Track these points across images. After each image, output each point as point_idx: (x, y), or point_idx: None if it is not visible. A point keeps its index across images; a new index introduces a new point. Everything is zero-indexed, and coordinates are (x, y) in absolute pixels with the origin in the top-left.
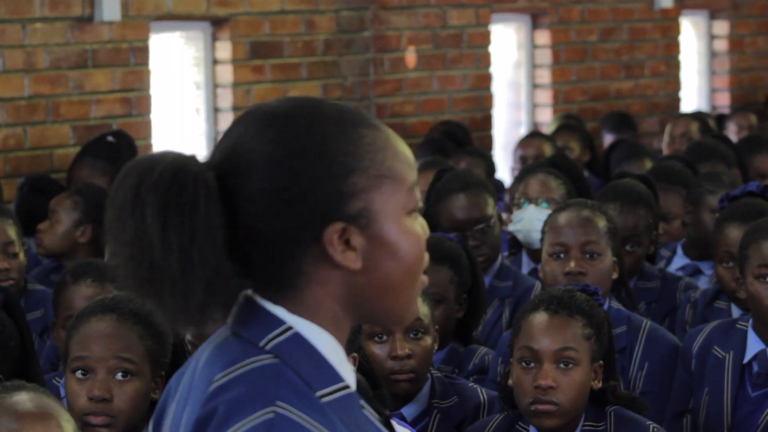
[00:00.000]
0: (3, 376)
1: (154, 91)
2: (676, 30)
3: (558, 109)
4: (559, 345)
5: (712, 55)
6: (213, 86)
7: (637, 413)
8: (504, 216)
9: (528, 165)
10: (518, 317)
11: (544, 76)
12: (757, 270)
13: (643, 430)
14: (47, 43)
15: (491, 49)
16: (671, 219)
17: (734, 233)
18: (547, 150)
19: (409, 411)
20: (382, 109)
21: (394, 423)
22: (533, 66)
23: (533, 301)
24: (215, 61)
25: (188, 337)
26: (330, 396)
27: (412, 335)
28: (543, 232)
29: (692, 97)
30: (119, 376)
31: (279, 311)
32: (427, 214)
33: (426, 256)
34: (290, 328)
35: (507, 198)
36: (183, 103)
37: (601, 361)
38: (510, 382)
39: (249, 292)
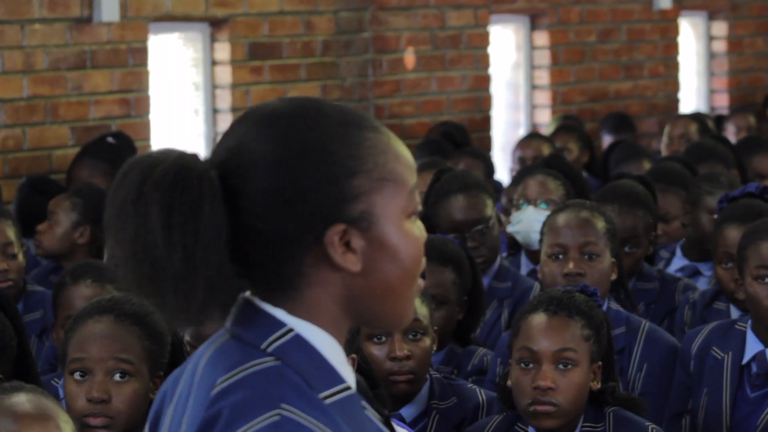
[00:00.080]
0: (2, 377)
1: (152, 92)
2: (675, 31)
3: (557, 110)
4: (558, 346)
5: (711, 56)
6: (212, 87)
7: (636, 414)
8: (502, 218)
9: (526, 166)
10: (517, 318)
11: (543, 77)
12: (755, 271)
13: (642, 430)
14: (46, 44)
15: (490, 50)
16: (670, 220)
17: (733, 234)
18: (546, 151)
19: (408, 412)
20: (381, 109)
21: (394, 423)
22: (532, 67)
23: (532, 302)
24: (214, 62)
25: (187, 338)
26: (333, 397)
27: (410, 336)
28: (542, 233)
29: (691, 98)
30: (117, 377)
31: (279, 313)
32: (425, 215)
33: (423, 260)
34: (291, 330)
35: (504, 200)
36: (182, 104)
37: (600, 362)
38: (509, 382)
39: (247, 294)
